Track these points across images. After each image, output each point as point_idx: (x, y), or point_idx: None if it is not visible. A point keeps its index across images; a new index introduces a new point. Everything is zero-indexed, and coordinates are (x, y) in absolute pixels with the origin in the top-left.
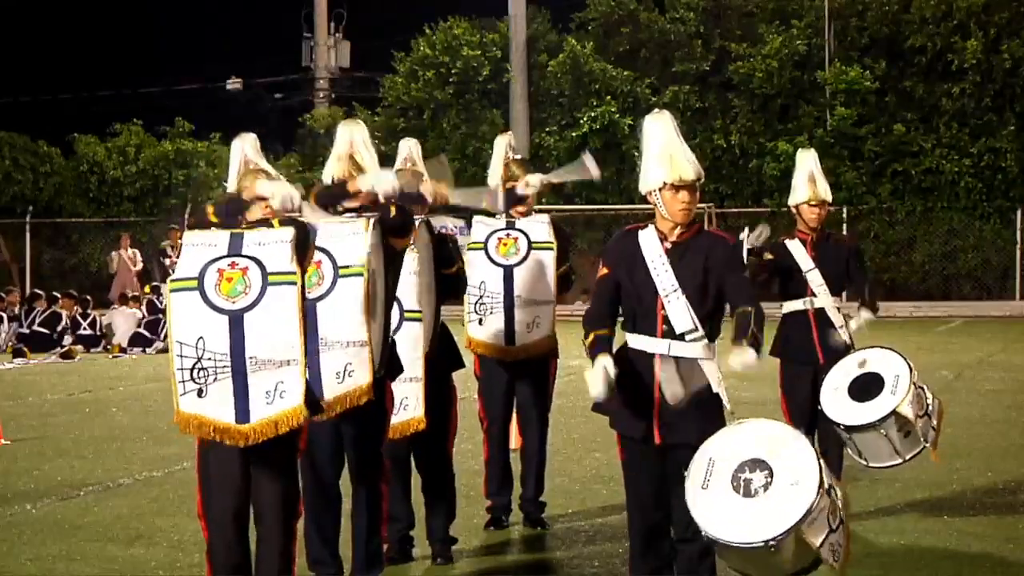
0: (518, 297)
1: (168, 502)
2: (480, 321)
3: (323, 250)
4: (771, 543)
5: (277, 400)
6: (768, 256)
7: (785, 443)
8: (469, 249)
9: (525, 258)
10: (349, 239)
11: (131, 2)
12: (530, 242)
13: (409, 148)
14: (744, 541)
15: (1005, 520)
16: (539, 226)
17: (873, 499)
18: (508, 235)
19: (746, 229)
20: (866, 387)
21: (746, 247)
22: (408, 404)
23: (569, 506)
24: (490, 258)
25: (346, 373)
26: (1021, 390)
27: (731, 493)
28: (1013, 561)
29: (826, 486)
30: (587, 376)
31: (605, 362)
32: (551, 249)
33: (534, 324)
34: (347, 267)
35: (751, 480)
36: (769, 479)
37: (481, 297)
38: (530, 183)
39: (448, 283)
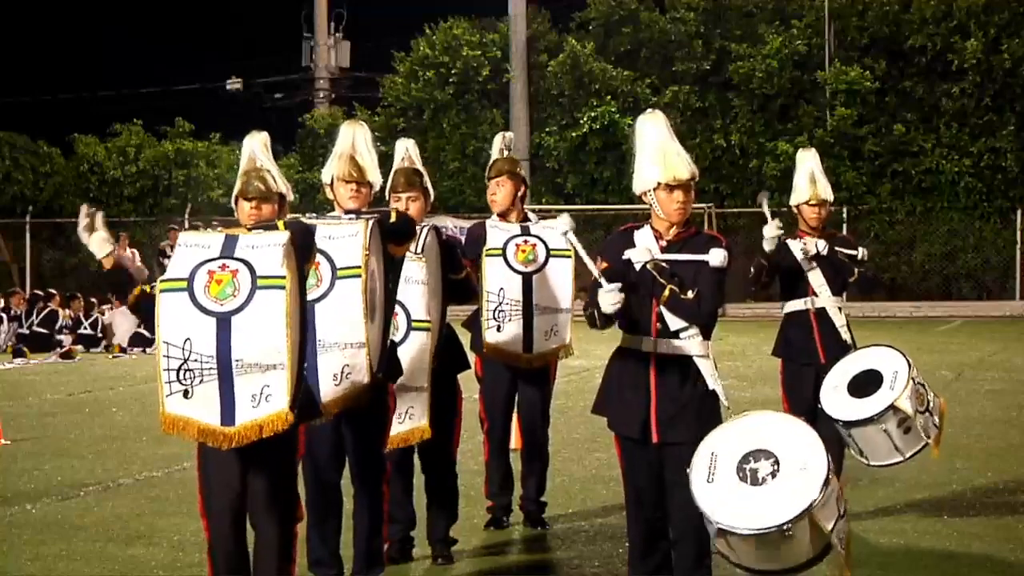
0: (536, 305)
1: (168, 502)
2: (498, 328)
3: (322, 252)
4: (786, 526)
5: (263, 403)
6: (770, 255)
7: (787, 431)
8: (487, 255)
9: (543, 265)
10: (347, 240)
11: (132, 2)
12: (548, 249)
13: (407, 148)
14: (759, 527)
15: (1005, 520)
16: (555, 232)
17: (873, 499)
18: (526, 241)
19: (767, 225)
20: (865, 384)
21: (767, 248)
22: (413, 414)
23: (569, 506)
24: (509, 265)
25: (343, 375)
26: (1021, 390)
27: (739, 483)
28: (1013, 561)
29: (833, 468)
30: (600, 296)
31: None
32: (568, 257)
33: (552, 332)
34: (345, 268)
35: (757, 469)
36: (776, 466)
37: (500, 304)
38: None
39: (456, 288)
